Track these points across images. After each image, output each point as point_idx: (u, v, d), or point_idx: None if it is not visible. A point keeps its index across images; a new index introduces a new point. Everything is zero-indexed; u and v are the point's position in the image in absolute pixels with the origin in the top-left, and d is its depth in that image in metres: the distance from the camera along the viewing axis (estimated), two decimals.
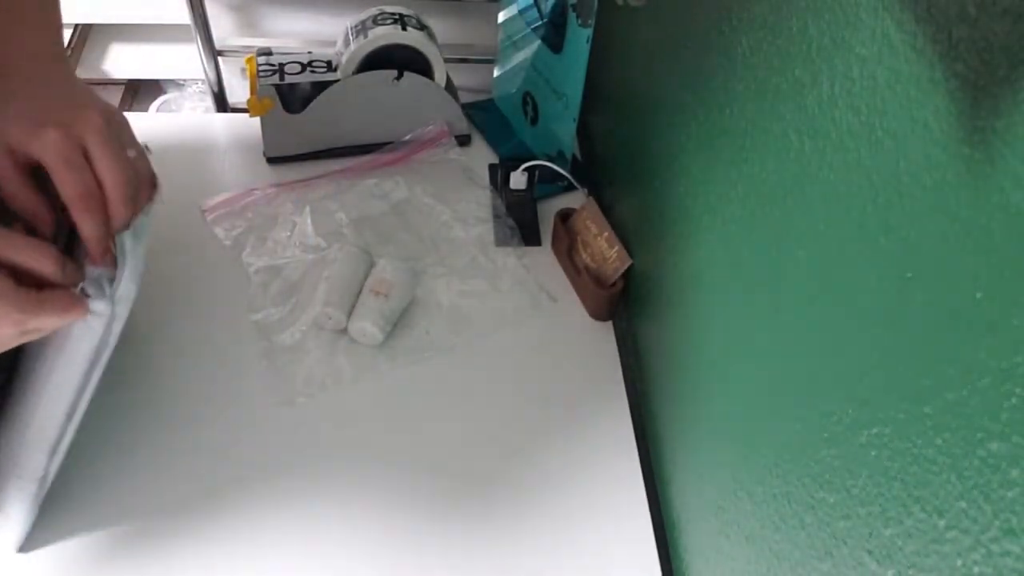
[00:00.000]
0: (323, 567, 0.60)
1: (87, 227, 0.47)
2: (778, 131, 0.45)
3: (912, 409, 0.33)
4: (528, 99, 0.91)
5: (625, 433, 0.70)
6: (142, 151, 0.51)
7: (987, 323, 0.29)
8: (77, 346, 0.49)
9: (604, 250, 0.76)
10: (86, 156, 0.47)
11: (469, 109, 0.96)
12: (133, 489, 0.62)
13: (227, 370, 0.70)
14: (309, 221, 0.82)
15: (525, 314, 0.77)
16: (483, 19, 1.03)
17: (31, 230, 0.49)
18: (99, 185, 0.47)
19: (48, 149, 0.46)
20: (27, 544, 0.59)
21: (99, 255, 0.48)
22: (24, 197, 0.48)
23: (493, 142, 0.94)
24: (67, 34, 1.08)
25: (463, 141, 0.93)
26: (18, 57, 0.49)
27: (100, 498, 0.62)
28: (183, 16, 0.96)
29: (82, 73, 1.16)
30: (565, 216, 0.82)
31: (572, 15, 0.77)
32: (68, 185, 0.46)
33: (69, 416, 0.52)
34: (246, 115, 0.87)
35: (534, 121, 0.92)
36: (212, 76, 1.03)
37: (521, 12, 0.88)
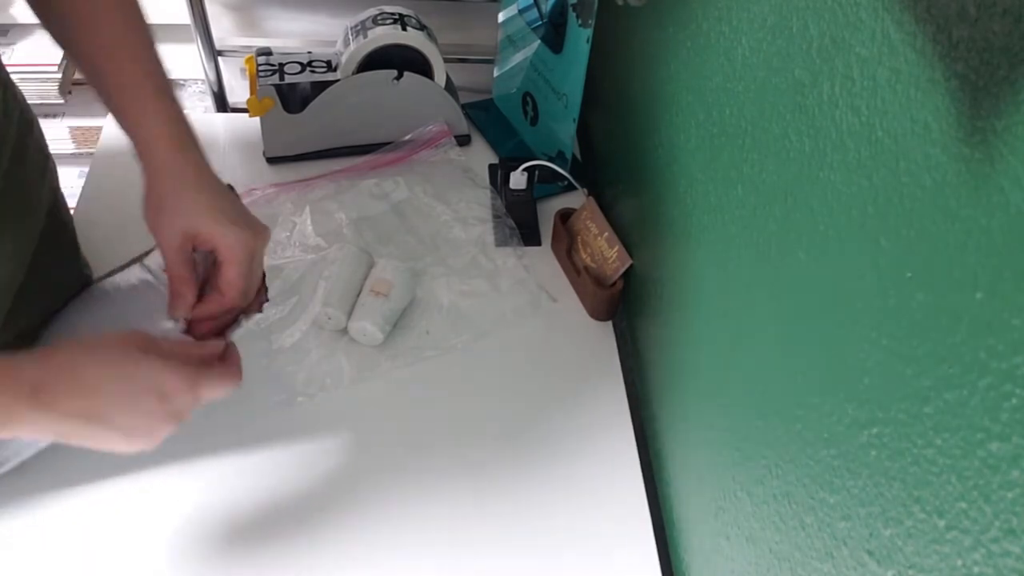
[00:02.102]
0: (323, 565, 0.60)
1: (226, 316, 0.56)
2: (778, 131, 0.45)
3: (912, 409, 0.33)
4: (528, 99, 0.91)
5: (625, 433, 0.70)
6: None
7: (987, 323, 0.29)
8: None
9: (604, 250, 0.76)
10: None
11: (469, 109, 0.96)
12: (133, 489, 0.62)
13: None
14: (309, 221, 0.82)
15: (525, 314, 0.77)
16: (483, 19, 1.03)
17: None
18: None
19: (239, 248, 0.54)
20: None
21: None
22: (189, 281, 0.55)
23: (493, 142, 0.94)
24: None
25: (463, 141, 0.93)
26: (185, 147, 0.55)
27: (101, 498, 0.62)
28: (183, 16, 0.96)
29: None
30: (565, 216, 0.82)
31: (572, 15, 0.77)
32: (241, 280, 0.54)
33: None
34: (246, 115, 0.87)
35: (534, 121, 0.92)
36: (212, 76, 1.03)
37: (521, 12, 0.88)
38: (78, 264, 0.73)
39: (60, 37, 0.56)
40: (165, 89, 0.55)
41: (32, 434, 0.45)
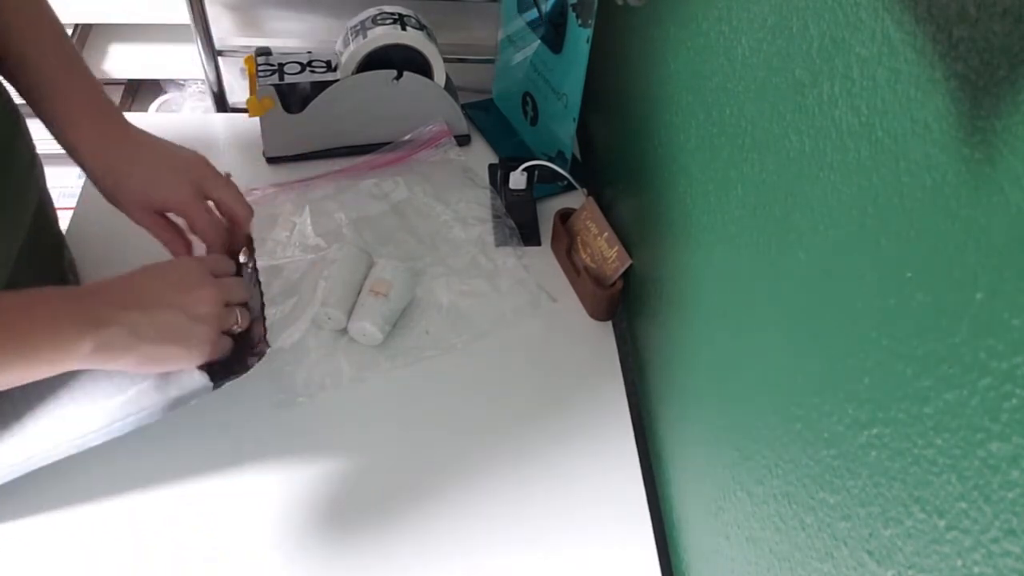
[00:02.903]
0: (322, 565, 0.60)
1: (218, 247, 0.63)
2: (778, 131, 0.45)
3: (912, 409, 0.33)
4: (528, 99, 0.91)
5: (625, 433, 0.70)
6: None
7: (987, 323, 0.29)
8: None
9: (604, 250, 0.76)
10: (208, 197, 0.62)
11: (469, 109, 0.96)
12: (135, 489, 0.62)
13: None
14: (309, 221, 0.82)
15: (525, 314, 0.77)
16: (483, 19, 1.03)
17: None
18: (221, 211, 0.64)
19: (185, 206, 0.61)
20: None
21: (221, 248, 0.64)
22: (176, 236, 0.63)
23: (493, 142, 0.94)
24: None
25: (463, 141, 0.93)
26: (97, 127, 0.60)
27: (102, 499, 0.62)
28: (183, 16, 0.96)
29: None
30: (565, 216, 0.82)
31: (572, 15, 0.77)
32: (208, 224, 0.62)
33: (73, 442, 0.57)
34: (246, 115, 0.87)
35: (534, 121, 0.92)
36: (212, 76, 1.03)
37: (521, 12, 0.88)
38: (62, 266, 0.72)
39: None
40: (67, 73, 0.59)
41: (104, 348, 0.49)
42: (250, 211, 0.65)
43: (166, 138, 0.64)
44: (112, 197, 0.61)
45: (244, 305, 0.60)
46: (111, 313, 0.50)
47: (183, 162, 0.62)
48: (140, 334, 0.51)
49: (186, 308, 0.54)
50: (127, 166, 0.60)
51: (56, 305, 0.49)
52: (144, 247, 0.78)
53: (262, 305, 0.63)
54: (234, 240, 0.65)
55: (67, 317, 0.48)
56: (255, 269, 0.65)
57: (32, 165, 0.67)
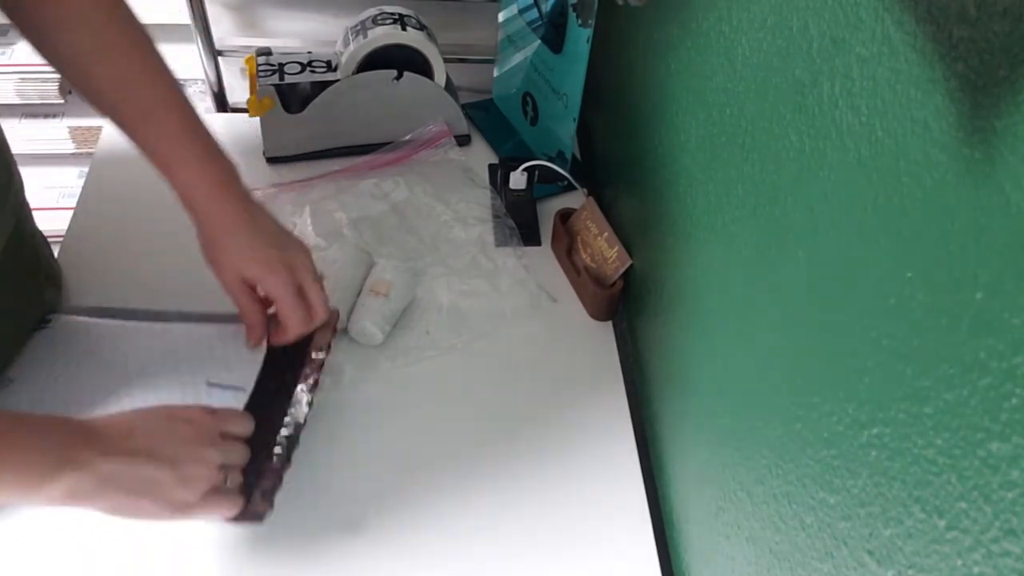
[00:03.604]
0: (322, 564, 0.60)
1: (292, 336, 0.61)
2: (778, 131, 0.45)
3: (912, 409, 0.33)
4: (528, 99, 0.91)
5: (625, 433, 0.70)
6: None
7: (987, 323, 0.29)
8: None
9: (604, 250, 0.76)
10: (300, 288, 0.61)
11: (469, 109, 0.96)
12: None
13: None
14: (309, 221, 0.82)
15: (525, 314, 0.77)
16: (483, 19, 1.03)
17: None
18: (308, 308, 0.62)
19: (280, 287, 0.59)
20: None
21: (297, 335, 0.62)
22: (258, 312, 0.62)
23: (493, 142, 0.94)
24: None
25: (463, 141, 0.93)
26: (222, 194, 0.59)
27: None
28: (183, 16, 0.96)
29: None
30: (565, 216, 0.82)
31: (572, 15, 0.77)
32: (295, 312, 0.60)
33: None
34: (246, 115, 0.87)
35: (534, 121, 0.92)
36: (212, 76, 1.03)
37: (521, 12, 0.88)
38: (37, 282, 0.70)
39: (71, 76, 0.57)
40: (189, 121, 0.58)
41: (73, 494, 0.47)
42: (330, 316, 0.64)
43: None
44: (209, 253, 0.60)
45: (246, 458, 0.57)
46: (89, 458, 0.47)
47: (287, 244, 0.62)
48: (116, 483, 0.48)
49: (177, 467, 0.50)
50: (232, 227, 0.59)
51: (32, 440, 0.46)
52: (143, 250, 0.78)
53: (293, 440, 0.60)
54: (309, 338, 0.63)
55: (40, 455, 0.45)
56: (315, 384, 0.62)
57: (8, 187, 0.65)
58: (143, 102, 0.57)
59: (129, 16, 0.57)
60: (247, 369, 0.63)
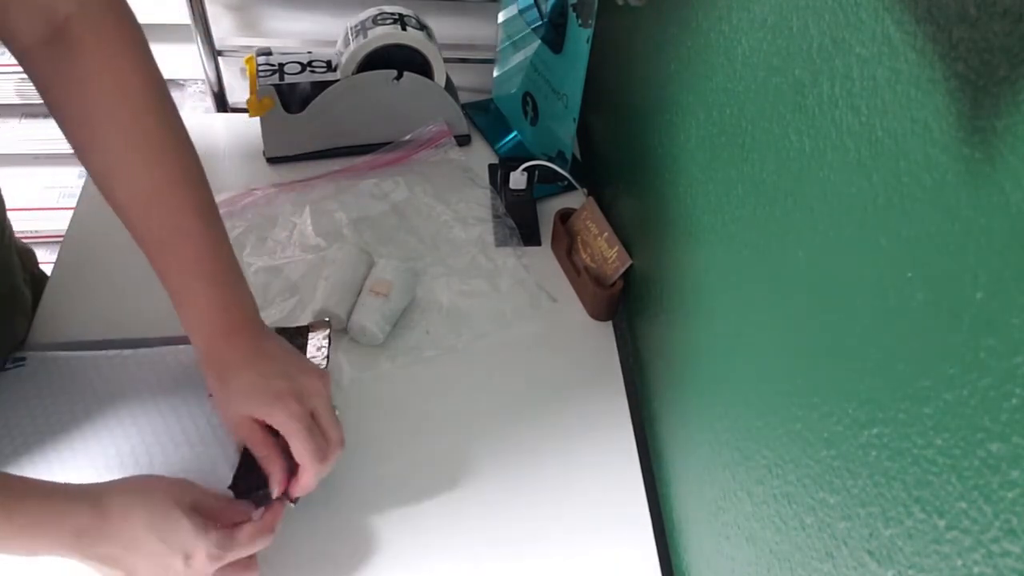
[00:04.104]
0: (322, 564, 0.60)
1: (314, 478, 0.55)
2: (778, 131, 0.45)
3: (912, 409, 0.33)
4: (528, 99, 0.91)
5: (625, 433, 0.70)
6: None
7: (987, 323, 0.29)
8: None
9: (604, 250, 0.76)
10: (313, 417, 0.55)
11: (469, 109, 0.96)
12: None
13: None
14: (309, 221, 0.82)
15: (525, 314, 0.77)
16: (483, 19, 1.03)
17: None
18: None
19: (290, 421, 0.53)
20: None
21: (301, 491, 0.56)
22: (275, 457, 0.55)
23: (493, 142, 0.94)
24: None
25: (463, 141, 0.93)
26: (230, 333, 0.55)
27: None
28: (183, 16, 0.96)
29: None
30: (565, 216, 0.82)
31: (572, 15, 0.77)
32: (308, 448, 0.54)
33: None
34: (246, 115, 0.87)
35: (534, 121, 0.92)
36: (212, 76, 1.03)
37: (521, 12, 0.88)
38: (10, 311, 0.69)
39: (103, 191, 0.55)
40: (206, 250, 0.55)
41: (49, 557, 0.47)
42: (341, 449, 0.57)
43: None
44: (217, 398, 0.56)
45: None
46: (78, 548, 0.47)
47: (298, 372, 0.56)
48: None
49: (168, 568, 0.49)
50: (237, 368, 0.54)
51: (53, 517, 0.46)
52: (141, 251, 0.78)
53: None
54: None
55: (56, 535, 0.46)
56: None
57: None
58: (160, 228, 0.54)
59: (164, 122, 0.54)
60: None
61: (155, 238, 0.55)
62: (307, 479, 0.55)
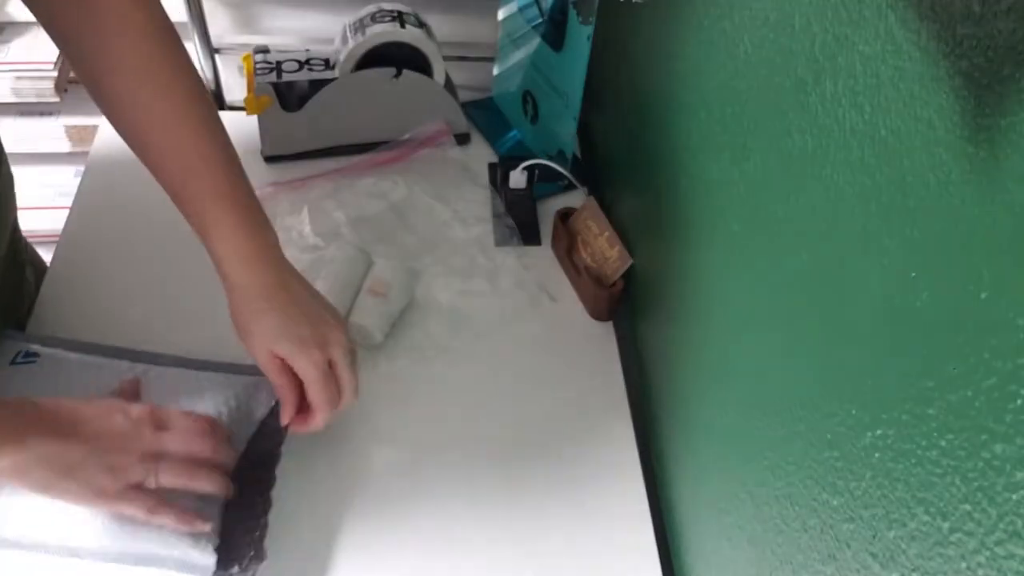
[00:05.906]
0: (322, 564, 0.60)
1: (322, 422, 0.58)
2: (780, 130, 0.44)
3: (916, 410, 0.33)
4: (528, 97, 0.91)
5: (625, 433, 0.70)
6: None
7: (992, 323, 0.28)
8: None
9: (604, 250, 0.76)
10: (330, 365, 0.57)
11: (468, 107, 0.96)
12: None
13: None
14: (307, 220, 0.81)
15: (525, 314, 0.77)
16: (483, 17, 1.03)
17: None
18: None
19: (311, 368, 0.56)
20: None
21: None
22: (288, 389, 0.58)
23: (493, 141, 0.94)
24: None
25: (462, 140, 0.92)
26: (255, 259, 0.56)
27: None
28: (179, 14, 0.95)
29: None
30: (565, 215, 0.81)
31: (573, 12, 0.76)
32: (323, 396, 0.57)
33: None
34: (243, 113, 0.87)
35: (534, 120, 0.91)
36: (209, 74, 1.02)
37: (521, 9, 0.88)
38: (23, 275, 0.70)
39: (117, 127, 0.56)
40: (230, 183, 0.56)
41: (13, 470, 0.48)
42: (354, 399, 0.60)
43: None
44: (239, 324, 0.57)
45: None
46: (30, 438, 0.49)
47: (321, 319, 0.58)
48: (48, 463, 0.49)
49: (103, 454, 0.51)
50: (264, 302, 0.56)
51: None
52: (139, 249, 0.78)
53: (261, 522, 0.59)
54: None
55: None
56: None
57: (9, 187, 0.65)
58: (182, 155, 0.55)
59: (180, 51, 0.56)
60: (244, 429, 0.62)
61: (177, 165, 0.55)
62: (316, 421, 0.58)
